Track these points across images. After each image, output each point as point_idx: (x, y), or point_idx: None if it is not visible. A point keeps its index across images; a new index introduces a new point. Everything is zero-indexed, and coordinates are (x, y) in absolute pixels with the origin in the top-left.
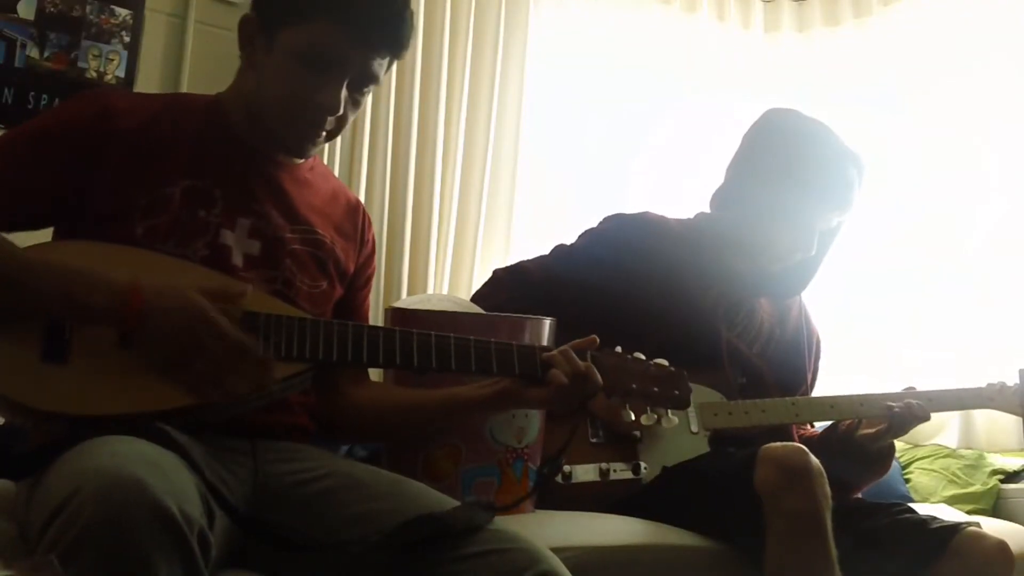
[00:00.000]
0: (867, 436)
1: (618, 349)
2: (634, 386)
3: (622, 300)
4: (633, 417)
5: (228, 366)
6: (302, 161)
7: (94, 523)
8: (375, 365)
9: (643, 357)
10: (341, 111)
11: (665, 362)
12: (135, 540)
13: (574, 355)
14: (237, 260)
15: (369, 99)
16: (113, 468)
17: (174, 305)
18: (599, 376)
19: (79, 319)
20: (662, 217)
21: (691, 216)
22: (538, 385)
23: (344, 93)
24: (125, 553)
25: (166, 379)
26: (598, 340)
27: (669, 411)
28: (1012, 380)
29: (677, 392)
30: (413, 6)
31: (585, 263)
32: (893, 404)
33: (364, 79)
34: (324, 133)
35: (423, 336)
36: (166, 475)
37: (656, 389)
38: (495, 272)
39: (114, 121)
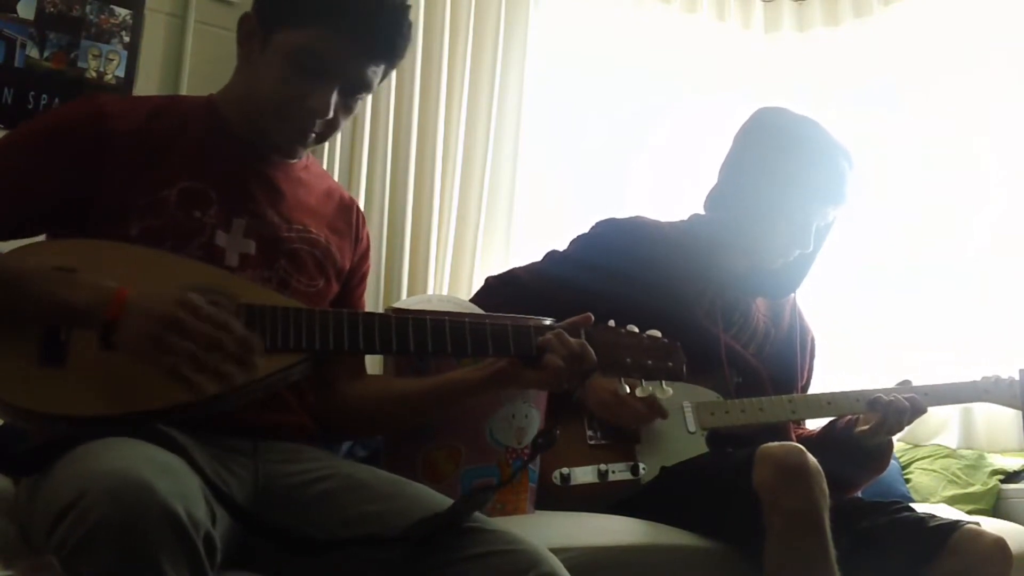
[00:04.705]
0: (864, 432)
1: (611, 323)
2: (628, 360)
3: (616, 305)
4: (628, 390)
5: (199, 360)
6: (296, 160)
7: (103, 524)
8: (372, 351)
9: (636, 330)
10: (331, 115)
11: (659, 333)
12: (144, 542)
13: (568, 337)
14: (232, 261)
15: (369, 100)
16: (122, 470)
17: (151, 305)
18: (594, 355)
19: (66, 320)
20: (655, 221)
21: (685, 218)
22: (534, 367)
23: (335, 98)
24: (133, 554)
25: (163, 377)
26: (592, 317)
27: (663, 383)
28: (1007, 375)
29: (671, 364)
30: (413, 6)
31: (578, 269)
32: (889, 399)
33: (357, 86)
34: (313, 135)
35: (418, 320)
36: (175, 478)
37: (650, 362)
38: (487, 280)
39: (109, 123)
